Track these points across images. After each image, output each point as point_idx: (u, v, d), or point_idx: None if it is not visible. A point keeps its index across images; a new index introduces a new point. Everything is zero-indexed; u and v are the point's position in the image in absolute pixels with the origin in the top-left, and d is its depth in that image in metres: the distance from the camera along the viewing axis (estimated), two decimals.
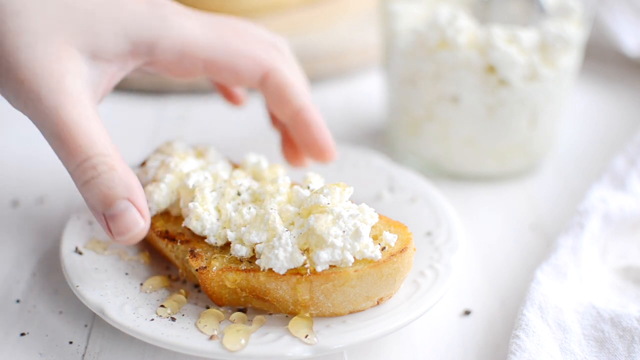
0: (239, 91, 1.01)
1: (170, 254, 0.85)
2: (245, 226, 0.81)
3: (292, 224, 0.80)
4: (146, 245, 0.89)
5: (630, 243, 0.96)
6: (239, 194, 0.85)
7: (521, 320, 0.81)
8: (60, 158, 0.77)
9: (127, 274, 0.84)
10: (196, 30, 0.85)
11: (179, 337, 0.75)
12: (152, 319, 0.77)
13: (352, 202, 0.82)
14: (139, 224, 0.76)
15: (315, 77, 1.30)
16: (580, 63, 1.33)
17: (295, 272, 0.77)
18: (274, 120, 0.98)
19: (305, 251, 0.77)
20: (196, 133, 1.18)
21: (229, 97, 1.01)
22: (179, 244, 0.83)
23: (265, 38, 0.92)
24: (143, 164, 0.91)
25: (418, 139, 1.09)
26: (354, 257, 0.77)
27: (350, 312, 0.78)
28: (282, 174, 0.89)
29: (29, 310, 0.86)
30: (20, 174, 1.09)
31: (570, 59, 1.04)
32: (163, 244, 0.84)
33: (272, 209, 0.81)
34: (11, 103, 0.79)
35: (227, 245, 0.82)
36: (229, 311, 0.80)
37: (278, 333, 0.76)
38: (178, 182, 0.86)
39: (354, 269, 0.76)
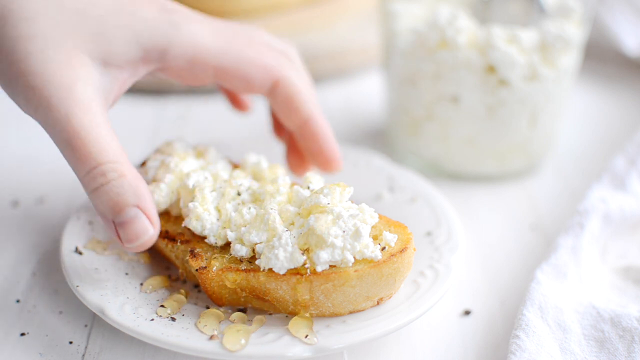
0: (245, 97, 1.01)
1: (170, 254, 0.85)
2: (245, 226, 0.81)
3: (292, 224, 0.80)
4: None
5: (630, 243, 0.96)
6: (239, 194, 0.85)
7: (521, 320, 0.81)
8: (70, 164, 0.77)
9: (127, 274, 0.84)
10: (207, 37, 0.85)
11: (179, 337, 0.75)
12: (152, 319, 0.77)
13: (352, 202, 0.82)
14: (148, 231, 0.77)
15: (315, 77, 1.30)
16: (580, 63, 1.33)
17: (295, 272, 0.77)
18: (278, 130, 0.98)
19: (305, 251, 0.77)
20: (196, 133, 1.18)
21: (235, 102, 1.01)
22: (179, 244, 0.83)
23: (275, 46, 0.92)
24: (143, 164, 0.91)
25: (418, 139, 1.09)
26: (354, 257, 0.77)
27: (350, 312, 0.78)
28: (282, 174, 0.89)
29: (29, 310, 0.86)
30: (20, 174, 1.09)
31: (570, 59, 1.04)
32: (163, 244, 0.84)
33: (272, 209, 0.81)
34: (21, 108, 0.79)
35: (227, 245, 0.82)
36: (229, 311, 0.80)
37: (278, 333, 0.76)
38: (178, 182, 0.86)
39: (354, 269, 0.76)
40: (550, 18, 1.04)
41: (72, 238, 0.87)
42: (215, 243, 0.82)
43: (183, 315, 0.79)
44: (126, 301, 0.79)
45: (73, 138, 0.76)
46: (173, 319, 0.78)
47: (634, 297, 0.88)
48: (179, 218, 0.86)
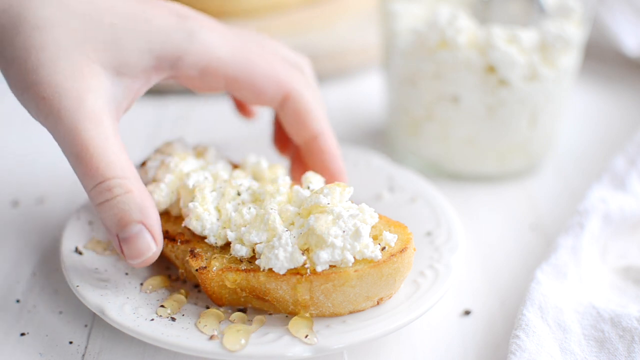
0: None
1: (170, 254, 0.85)
2: (245, 226, 0.81)
3: (292, 224, 0.80)
4: None
5: (630, 243, 0.96)
6: (239, 194, 0.85)
7: (521, 320, 0.81)
8: (78, 177, 0.77)
9: (127, 274, 0.84)
10: (221, 47, 0.85)
11: (179, 337, 0.75)
12: (152, 319, 0.77)
13: (352, 202, 0.82)
14: (151, 249, 0.77)
15: (316, 77, 1.30)
16: (580, 63, 1.33)
17: (295, 272, 0.77)
18: (281, 145, 0.97)
19: (305, 251, 0.77)
20: (196, 133, 1.18)
21: (242, 110, 1.00)
22: (179, 244, 0.83)
23: (289, 59, 0.91)
24: (143, 164, 0.91)
25: (418, 139, 1.09)
26: (354, 257, 0.77)
27: (350, 312, 0.78)
28: (282, 174, 0.89)
29: (29, 310, 0.86)
30: (20, 174, 1.09)
31: (570, 59, 1.04)
32: (163, 244, 0.84)
33: (272, 209, 0.81)
34: (32, 115, 0.79)
35: (227, 245, 0.82)
36: (229, 311, 0.80)
37: (278, 333, 0.76)
38: (178, 182, 0.86)
39: (354, 269, 0.76)
40: (550, 18, 1.04)
41: (72, 238, 0.87)
42: (215, 243, 0.82)
43: (183, 315, 0.79)
44: (126, 301, 0.79)
45: (81, 151, 0.76)
46: (173, 319, 0.78)
47: (634, 297, 0.88)
48: (179, 218, 0.86)
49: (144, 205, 0.77)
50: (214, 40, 0.84)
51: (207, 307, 0.81)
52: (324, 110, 0.91)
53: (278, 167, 0.90)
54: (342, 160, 0.91)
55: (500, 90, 1.02)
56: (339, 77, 1.35)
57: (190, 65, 0.83)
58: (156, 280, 0.83)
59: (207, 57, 0.84)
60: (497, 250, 0.97)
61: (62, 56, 0.77)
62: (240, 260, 0.80)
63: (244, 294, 0.80)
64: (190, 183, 0.84)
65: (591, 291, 0.88)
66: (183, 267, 0.84)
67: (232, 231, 0.81)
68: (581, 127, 1.23)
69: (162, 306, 0.79)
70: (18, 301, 0.87)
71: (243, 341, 0.75)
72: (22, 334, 0.82)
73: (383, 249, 0.78)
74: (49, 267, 0.92)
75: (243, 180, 0.86)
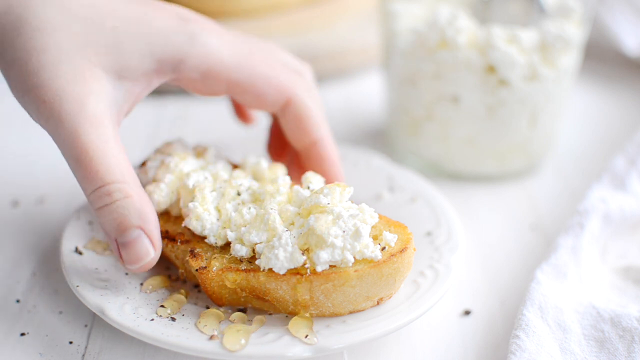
0: (252, 111, 1.00)
1: (170, 254, 0.85)
2: (245, 226, 0.81)
3: (292, 224, 0.80)
4: None
5: (630, 243, 0.96)
6: (239, 194, 0.85)
7: (521, 320, 0.81)
8: (77, 180, 0.77)
9: (127, 274, 0.84)
10: (223, 50, 0.84)
11: (179, 337, 0.75)
12: (152, 319, 0.77)
13: (352, 202, 0.82)
14: (150, 254, 0.77)
15: (316, 77, 1.30)
16: (580, 63, 1.33)
17: (295, 272, 0.77)
18: (276, 153, 0.97)
19: (305, 251, 0.77)
20: (195, 133, 1.18)
21: (241, 115, 1.00)
22: (179, 244, 0.83)
23: (291, 65, 0.91)
24: (143, 164, 0.91)
25: (418, 139, 1.09)
26: (354, 257, 0.77)
27: (350, 312, 0.78)
28: (282, 174, 0.89)
29: (29, 310, 0.86)
30: (20, 174, 1.09)
31: (570, 59, 1.04)
32: (163, 244, 0.84)
33: (272, 209, 0.81)
34: (32, 118, 0.79)
35: (227, 245, 0.82)
36: (229, 311, 0.80)
37: (278, 333, 0.76)
38: (178, 182, 0.86)
39: (354, 269, 0.76)
40: (550, 18, 1.04)
41: (72, 238, 0.87)
42: (215, 243, 0.82)
43: (183, 315, 0.79)
44: (126, 301, 0.79)
45: (81, 155, 0.76)
46: (173, 319, 0.78)
47: (634, 297, 0.88)
48: (179, 218, 0.86)
49: (143, 211, 0.77)
50: (216, 44, 0.84)
51: (207, 307, 0.81)
52: (324, 116, 0.91)
53: (278, 167, 0.90)
54: (342, 167, 0.91)
55: (500, 90, 1.02)
56: (339, 77, 1.35)
57: (192, 68, 0.83)
58: (156, 280, 0.83)
59: (208, 60, 0.83)
60: (497, 250, 0.97)
61: (63, 60, 0.77)
62: (240, 260, 0.80)
63: (244, 294, 0.80)
64: (190, 183, 0.84)
65: (591, 291, 0.88)
66: (183, 267, 0.84)
67: (232, 231, 0.81)
68: (581, 127, 1.23)
69: (162, 306, 0.79)
70: (18, 301, 0.87)
71: (243, 341, 0.75)
72: (22, 334, 0.82)
73: (383, 249, 0.78)
74: (49, 267, 0.92)
75: (243, 180, 0.86)
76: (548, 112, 1.06)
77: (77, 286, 0.80)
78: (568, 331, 0.81)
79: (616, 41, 1.36)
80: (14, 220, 0.99)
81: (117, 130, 0.79)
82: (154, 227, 0.78)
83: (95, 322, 0.84)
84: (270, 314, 0.80)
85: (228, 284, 0.79)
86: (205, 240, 0.82)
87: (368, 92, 1.30)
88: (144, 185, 0.88)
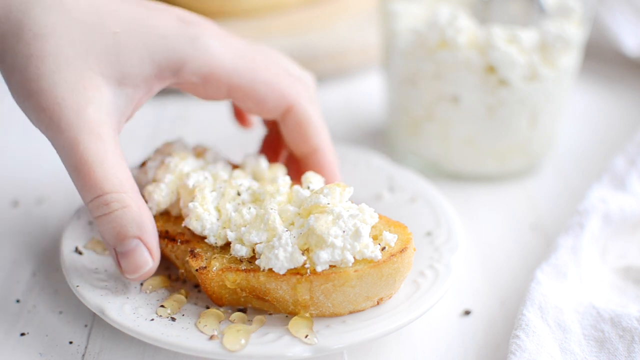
0: (251, 115, 1.00)
1: (170, 254, 0.85)
2: (245, 226, 0.81)
3: (292, 224, 0.80)
4: None
5: (630, 243, 0.96)
6: (239, 194, 0.85)
7: (521, 320, 0.81)
8: (76, 188, 0.78)
9: None
10: (225, 55, 0.84)
11: (179, 337, 0.75)
12: (152, 319, 0.77)
13: (352, 202, 0.82)
14: (148, 264, 0.78)
15: (316, 77, 1.30)
16: (580, 63, 1.33)
17: (295, 272, 0.77)
18: (270, 155, 0.97)
19: (305, 251, 0.77)
20: (195, 133, 1.18)
21: (241, 119, 1.00)
22: (179, 244, 0.83)
23: (293, 72, 0.91)
24: (143, 164, 0.91)
25: (418, 139, 1.09)
26: (354, 257, 0.77)
27: (350, 312, 0.78)
28: (282, 174, 0.89)
29: (29, 310, 0.86)
30: (20, 174, 1.09)
31: (570, 59, 1.04)
32: (163, 244, 0.84)
33: (272, 209, 0.81)
34: (32, 123, 0.79)
35: (227, 245, 0.82)
36: (229, 311, 0.80)
37: (278, 333, 0.76)
38: (178, 182, 0.86)
39: (354, 269, 0.76)
40: (550, 18, 1.04)
41: (72, 238, 0.87)
42: (215, 243, 0.82)
43: (183, 315, 0.79)
44: (126, 301, 0.79)
45: (79, 164, 0.76)
46: (173, 319, 0.78)
47: (634, 297, 0.88)
48: (179, 218, 0.86)
49: (141, 221, 0.77)
50: (218, 47, 0.84)
51: (207, 307, 0.81)
52: (325, 124, 0.91)
53: (278, 167, 0.90)
54: (340, 176, 0.91)
55: (500, 90, 1.02)
56: (339, 77, 1.35)
57: (193, 72, 0.83)
58: (156, 280, 0.83)
59: (209, 64, 0.83)
60: (497, 250, 0.97)
61: (63, 67, 0.77)
62: (240, 260, 0.80)
63: (244, 294, 0.80)
64: (190, 183, 0.84)
65: (591, 291, 0.88)
66: (183, 267, 0.84)
67: (232, 231, 0.81)
68: (581, 127, 1.23)
69: (162, 306, 0.79)
70: (18, 301, 0.87)
71: (243, 341, 0.75)
72: (22, 334, 0.82)
73: (383, 249, 0.78)
74: (49, 267, 0.92)
75: (243, 180, 0.86)
76: (548, 112, 1.06)
77: (77, 286, 0.80)
78: (568, 331, 0.81)
79: (616, 41, 1.36)
80: (14, 220, 0.99)
81: (117, 138, 0.79)
82: (152, 236, 0.78)
83: (95, 322, 0.84)
84: (270, 314, 0.80)
85: (228, 284, 0.79)
86: (205, 240, 0.82)
87: (368, 92, 1.30)
88: (144, 185, 0.88)
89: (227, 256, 0.80)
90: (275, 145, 0.97)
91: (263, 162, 0.90)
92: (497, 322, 0.86)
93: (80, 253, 0.85)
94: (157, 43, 0.81)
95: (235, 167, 0.92)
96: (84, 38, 0.78)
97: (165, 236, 0.84)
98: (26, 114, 0.79)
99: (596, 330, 0.81)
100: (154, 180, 0.87)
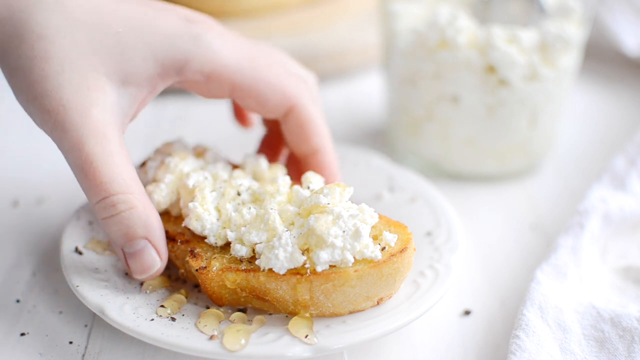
0: (252, 115, 1.00)
1: (171, 254, 0.85)
2: (245, 226, 0.81)
3: (292, 224, 0.80)
4: None
5: (630, 243, 0.96)
6: (239, 194, 0.85)
7: (521, 320, 0.81)
8: (82, 190, 0.78)
9: (127, 274, 0.84)
10: (228, 54, 0.84)
11: (179, 337, 0.75)
12: (152, 319, 0.77)
13: (352, 202, 0.82)
14: (157, 264, 0.79)
15: (316, 77, 1.30)
16: (580, 63, 1.33)
17: (295, 272, 0.77)
18: (270, 155, 0.97)
19: (305, 251, 0.77)
20: (195, 133, 1.18)
21: (241, 118, 1.00)
22: (179, 244, 0.83)
23: (295, 72, 0.91)
24: (143, 164, 0.91)
25: (418, 139, 1.09)
26: (354, 257, 0.77)
27: (350, 312, 0.78)
28: (282, 174, 0.89)
29: (29, 310, 0.86)
30: (20, 174, 1.09)
31: (570, 59, 1.04)
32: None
33: (272, 209, 0.81)
34: (37, 125, 0.79)
35: (227, 245, 0.82)
36: (229, 311, 0.80)
37: (278, 333, 0.76)
38: (178, 182, 0.86)
39: (354, 269, 0.76)
40: (550, 18, 1.04)
41: (72, 238, 0.87)
42: (215, 243, 0.82)
43: (183, 315, 0.79)
44: (126, 301, 0.79)
45: (85, 166, 0.76)
46: (173, 319, 0.78)
47: (634, 297, 0.88)
48: (179, 218, 0.86)
49: (148, 221, 0.77)
50: (221, 46, 0.84)
51: (207, 307, 0.81)
52: (326, 125, 0.91)
53: (278, 167, 0.90)
54: (341, 177, 0.91)
55: (500, 90, 1.02)
56: (339, 77, 1.35)
57: (196, 70, 0.83)
58: (156, 280, 0.83)
59: (213, 62, 0.83)
60: (497, 250, 0.97)
61: (67, 68, 0.77)
62: (240, 260, 0.80)
63: (244, 294, 0.80)
64: (190, 183, 0.84)
65: (591, 291, 0.88)
66: (183, 267, 0.84)
67: (232, 231, 0.81)
68: (581, 127, 1.23)
69: (162, 306, 0.79)
70: (18, 301, 0.87)
71: (243, 341, 0.75)
72: (22, 334, 0.83)
73: (383, 249, 0.78)
74: (49, 267, 0.92)
75: (243, 180, 0.86)
76: (548, 112, 1.06)
77: (77, 286, 0.80)
78: (568, 331, 0.81)
79: (616, 41, 1.36)
80: (14, 220, 0.99)
81: (122, 138, 0.79)
82: (160, 236, 0.79)
83: (95, 322, 0.84)
84: (270, 314, 0.80)
85: (228, 284, 0.79)
86: (205, 240, 0.82)
87: (368, 92, 1.30)
88: (144, 185, 0.88)
89: (227, 256, 0.80)
90: (274, 145, 0.97)
91: (263, 162, 0.90)
92: (497, 322, 0.86)
93: (80, 253, 0.85)
94: (160, 42, 0.81)
95: (235, 167, 0.92)
96: (87, 38, 0.78)
97: (165, 236, 0.84)
98: (30, 116, 0.79)
99: (596, 330, 0.81)
100: (154, 180, 0.87)
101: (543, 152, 1.11)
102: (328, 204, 0.79)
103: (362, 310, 0.79)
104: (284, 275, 0.77)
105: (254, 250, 0.80)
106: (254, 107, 0.88)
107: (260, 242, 0.79)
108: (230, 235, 0.81)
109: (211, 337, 0.76)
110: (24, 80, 0.77)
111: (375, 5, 1.34)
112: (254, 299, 0.80)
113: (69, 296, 0.87)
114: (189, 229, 0.84)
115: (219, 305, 0.81)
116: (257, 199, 0.84)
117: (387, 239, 0.78)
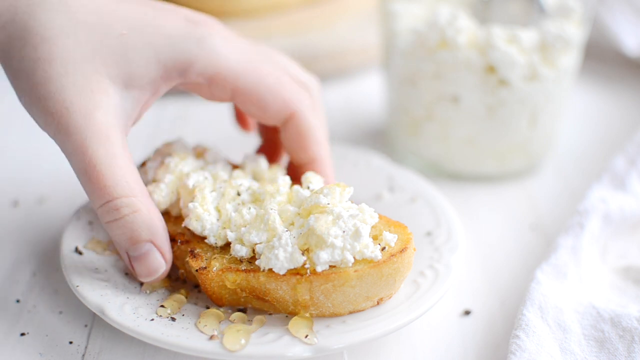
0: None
1: None
2: (245, 226, 0.81)
3: (292, 224, 0.80)
4: None
5: (630, 243, 0.96)
6: (238, 194, 0.85)
7: (521, 320, 0.81)
8: (86, 193, 0.78)
9: (127, 274, 0.84)
10: (231, 56, 0.83)
11: (179, 337, 0.75)
12: (152, 319, 0.77)
13: (352, 202, 0.82)
14: (162, 267, 0.79)
15: (316, 77, 1.30)
16: (580, 63, 1.33)
17: (295, 272, 0.77)
18: (270, 156, 0.97)
19: (305, 251, 0.77)
20: (195, 133, 1.18)
21: (242, 122, 0.99)
22: (179, 244, 0.83)
23: (299, 78, 0.90)
24: (143, 164, 0.91)
25: (418, 139, 1.09)
26: (354, 257, 0.77)
27: (350, 312, 0.78)
28: (281, 174, 0.89)
29: (29, 310, 0.86)
30: (20, 174, 1.09)
31: (570, 59, 1.04)
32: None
33: (272, 209, 0.81)
34: (40, 127, 0.79)
35: (227, 246, 0.82)
36: (229, 311, 0.80)
37: (278, 333, 0.76)
38: (178, 182, 0.86)
39: (354, 269, 0.76)
40: (550, 18, 1.04)
41: (72, 238, 0.87)
42: (215, 243, 0.82)
43: (183, 315, 0.79)
44: (126, 301, 0.79)
45: (88, 169, 0.76)
46: (173, 319, 0.78)
47: (634, 297, 0.88)
48: (179, 218, 0.86)
49: (152, 225, 0.77)
50: (224, 48, 0.83)
51: (207, 307, 0.81)
52: (326, 134, 0.90)
53: (278, 167, 0.90)
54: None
55: (500, 90, 1.02)
56: (339, 77, 1.35)
57: (199, 72, 0.82)
58: (156, 281, 0.83)
59: (216, 65, 0.82)
60: (497, 250, 0.97)
61: (70, 71, 0.77)
62: (240, 261, 0.80)
63: (244, 294, 0.80)
64: (190, 183, 0.84)
65: (591, 291, 0.88)
66: (183, 267, 0.84)
67: (232, 231, 0.81)
68: (581, 127, 1.23)
69: (162, 306, 0.79)
70: (18, 301, 0.87)
71: (243, 341, 0.75)
72: (22, 334, 0.83)
73: (383, 249, 0.78)
74: (49, 267, 0.92)
75: (243, 180, 0.86)
76: (548, 112, 1.06)
77: (77, 286, 0.80)
78: (568, 331, 0.81)
79: (616, 41, 1.36)
80: (14, 220, 0.99)
81: (125, 141, 0.79)
82: (164, 239, 0.79)
83: (95, 322, 0.84)
84: (270, 314, 0.80)
85: (228, 284, 0.79)
86: (205, 241, 0.82)
87: (368, 92, 1.30)
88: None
89: (227, 256, 0.80)
90: (269, 155, 0.96)
91: (263, 162, 0.90)
92: (497, 322, 0.86)
93: (80, 253, 0.85)
94: (163, 43, 0.81)
95: (235, 167, 0.92)
96: (90, 40, 0.78)
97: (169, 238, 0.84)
98: (33, 118, 0.79)
99: (596, 330, 0.81)
100: (154, 180, 0.87)
101: (543, 152, 1.11)
102: (328, 204, 0.79)
103: (362, 310, 0.79)
104: (284, 275, 0.77)
105: (254, 251, 0.80)
106: (253, 113, 0.87)
107: (260, 243, 0.79)
108: (230, 236, 0.81)
109: (211, 337, 0.76)
110: (27, 82, 0.77)
111: (375, 5, 1.34)
112: (254, 299, 0.80)
113: (69, 296, 0.87)
114: (189, 229, 0.84)
115: (219, 305, 0.81)
116: (257, 199, 0.84)
117: (387, 239, 0.78)
